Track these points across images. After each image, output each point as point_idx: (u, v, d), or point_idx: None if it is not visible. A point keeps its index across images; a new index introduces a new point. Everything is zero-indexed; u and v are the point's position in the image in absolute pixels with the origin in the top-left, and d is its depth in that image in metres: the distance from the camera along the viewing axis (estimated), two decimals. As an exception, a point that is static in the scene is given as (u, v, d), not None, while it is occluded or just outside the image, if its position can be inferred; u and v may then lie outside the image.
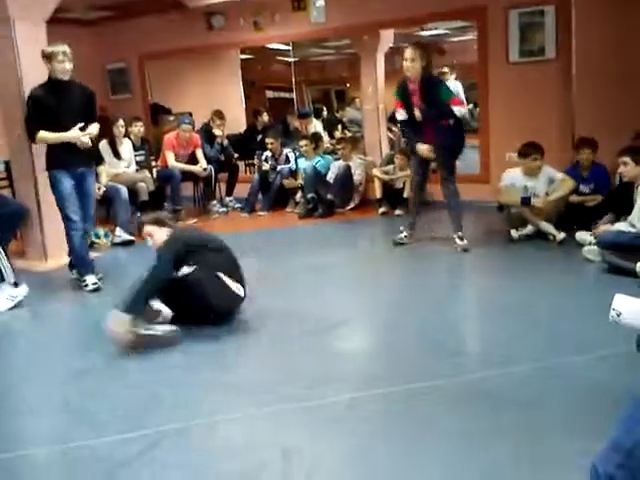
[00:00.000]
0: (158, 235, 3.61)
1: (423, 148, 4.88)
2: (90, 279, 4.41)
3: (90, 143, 4.38)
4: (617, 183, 4.94)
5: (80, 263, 4.50)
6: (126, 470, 2.11)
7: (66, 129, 4.25)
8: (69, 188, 4.33)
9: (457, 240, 4.94)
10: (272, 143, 7.32)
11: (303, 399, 2.53)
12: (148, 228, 3.70)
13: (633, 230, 4.09)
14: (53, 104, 4.25)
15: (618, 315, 2.30)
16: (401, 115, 4.95)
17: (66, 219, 4.38)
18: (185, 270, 3.33)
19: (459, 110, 4.73)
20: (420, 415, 2.36)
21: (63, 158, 4.31)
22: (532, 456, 2.01)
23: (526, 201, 4.95)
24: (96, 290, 4.34)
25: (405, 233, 5.18)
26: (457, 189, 4.97)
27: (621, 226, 4.23)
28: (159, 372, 2.93)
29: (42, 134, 4.28)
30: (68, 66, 4.22)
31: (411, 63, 4.70)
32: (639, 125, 5.16)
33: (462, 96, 7.53)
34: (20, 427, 2.55)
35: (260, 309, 3.70)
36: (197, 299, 3.32)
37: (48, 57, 4.20)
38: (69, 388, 2.87)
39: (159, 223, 3.71)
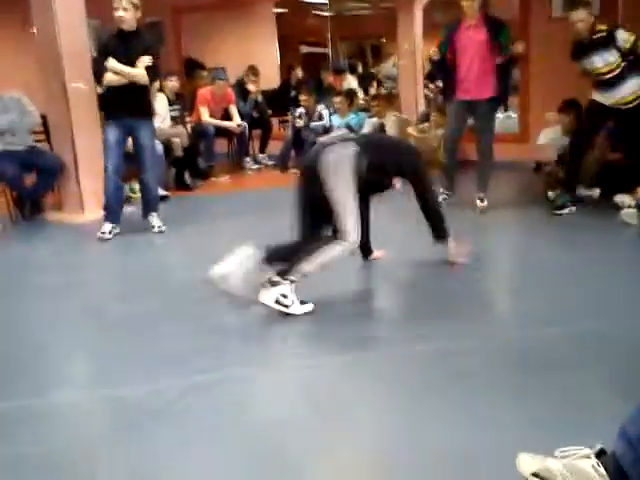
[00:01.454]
0: None
1: None
2: (105, 227, 4.59)
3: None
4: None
5: (106, 209, 4.66)
6: (159, 416, 2.16)
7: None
8: (112, 139, 4.50)
9: (478, 201, 4.84)
10: (305, 100, 7.25)
11: (336, 355, 2.57)
12: None
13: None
14: (110, 53, 4.37)
15: None
16: (436, 55, 4.84)
17: (104, 167, 4.61)
18: None
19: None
20: (461, 372, 2.37)
21: (110, 109, 4.54)
22: (571, 415, 2.00)
23: (563, 159, 4.84)
24: (102, 239, 4.52)
25: (444, 195, 4.99)
26: (493, 148, 4.85)
27: (662, 188, 4.13)
28: (196, 322, 2.98)
29: (108, 72, 4.39)
30: (121, 13, 4.30)
31: (470, 1, 4.59)
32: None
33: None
34: (54, 372, 2.62)
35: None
36: None
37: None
38: (105, 335, 2.95)
39: None
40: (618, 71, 4.38)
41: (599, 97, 4.56)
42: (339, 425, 2.08)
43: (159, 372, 2.49)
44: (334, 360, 2.53)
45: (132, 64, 4.37)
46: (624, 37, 4.32)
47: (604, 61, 4.39)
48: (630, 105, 4.44)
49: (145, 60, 4.37)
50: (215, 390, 2.33)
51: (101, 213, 4.77)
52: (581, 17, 4.33)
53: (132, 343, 2.81)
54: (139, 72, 4.37)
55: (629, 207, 4.29)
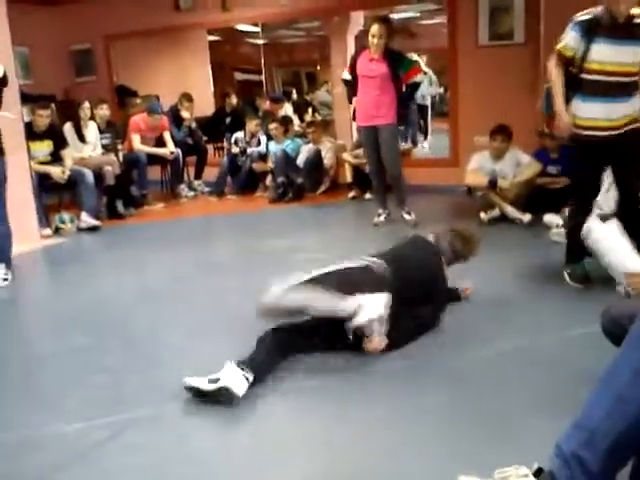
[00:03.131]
0: None
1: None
2: None
3: None
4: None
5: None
6: (95, 455, 2.07)
7: None
8: None
9: (405, 216, 5.13)
10: (257, 125, 7.23)
11: (267, 386, 2.51)
12: None
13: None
14: None
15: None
16: (345, 75, 5.18)
17: None
18: None
19: (419, 79, 5.10)
20: (391, 395, 2.36)
21: None
22: (500, 435, 2.02)
23: (493, 184, 4.98)
24: None
25: (383, 215, 5.26)
26: (401, 166, 5.13)
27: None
28: (125, 356, 2.88)
29: None
30: None
31: (379, 40, 4.84)
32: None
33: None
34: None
35: (234, 289, 3.67)
36: None
37: None
38: (34, 374, 2.81)
39: None
40: (636, 78, 3.26)
41: (596, 112, 3.24)
42: (277, 454, 2.03)
43: (92, 409, 2.38)
44: (262, 391, 2.46)
45: None
46: None
47: (635, 57, 3.18)
48: (621, 130, 3.28)
49: None
50: (153, 425, 2.25)
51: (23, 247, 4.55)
52: None
53: (62, 381, 2.69)
54: None
55: (557, 227, 4.43)
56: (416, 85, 5.15)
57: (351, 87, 5.15)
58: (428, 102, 9.52)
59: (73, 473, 1.99)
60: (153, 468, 1.99)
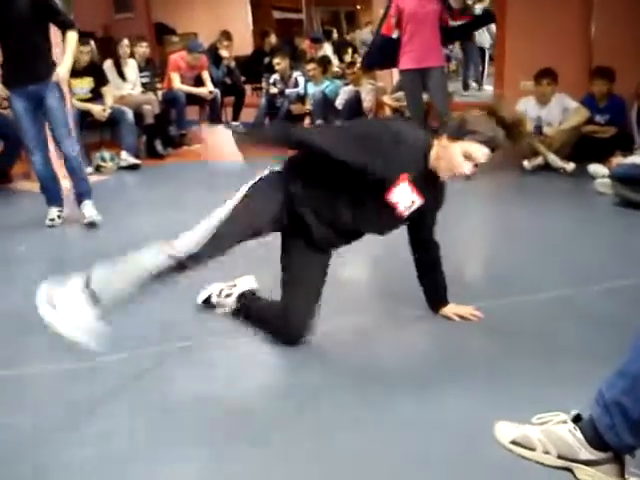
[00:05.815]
0: None
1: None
2: (50, 213, 4.10)
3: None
4: (635, 115, 4.77)
5: (44, 192, 4.13)
6: (139, 384, 2.15)
7: (6, 42, 3.76)
8: (21, 110, 3.85)
9: None
10: (279, 63, 7.10)
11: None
12: None
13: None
14: None
15: None
16: (396, 34, 4.96)
17: (25, 146, 4.08)
18: None
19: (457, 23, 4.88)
20: (434, 343, 2.38)
21: (10, 76, 3.87)
22: (543, 379, 2.03)
23: (538, 130, 4.85)
24: (51, 227, 4.05)
25: None
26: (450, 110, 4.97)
27: (635, 159, 4.15)
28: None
29: None
30: None
31: None
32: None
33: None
34: (27, 345, 2.56)
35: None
36: None
37: None
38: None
39: None
40: None
41: None
42: (315, 390, 2.07)
43: (133, 340, 2.46)
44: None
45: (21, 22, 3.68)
46: None
47: None
48: None
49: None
50: (195, 357, 2.32)
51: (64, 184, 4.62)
52: None
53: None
54: None
55: (603, 177, 4.32)
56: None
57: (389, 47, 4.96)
58: (487, 44, 9.17)
59: (118, 402, 2.06)
60: (198, 397, 2.05)
